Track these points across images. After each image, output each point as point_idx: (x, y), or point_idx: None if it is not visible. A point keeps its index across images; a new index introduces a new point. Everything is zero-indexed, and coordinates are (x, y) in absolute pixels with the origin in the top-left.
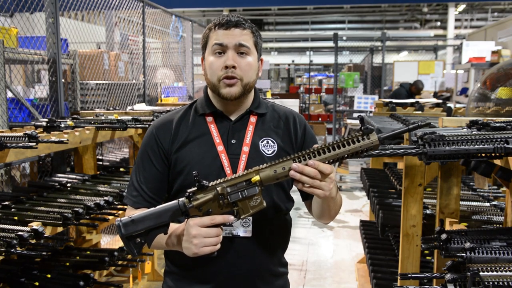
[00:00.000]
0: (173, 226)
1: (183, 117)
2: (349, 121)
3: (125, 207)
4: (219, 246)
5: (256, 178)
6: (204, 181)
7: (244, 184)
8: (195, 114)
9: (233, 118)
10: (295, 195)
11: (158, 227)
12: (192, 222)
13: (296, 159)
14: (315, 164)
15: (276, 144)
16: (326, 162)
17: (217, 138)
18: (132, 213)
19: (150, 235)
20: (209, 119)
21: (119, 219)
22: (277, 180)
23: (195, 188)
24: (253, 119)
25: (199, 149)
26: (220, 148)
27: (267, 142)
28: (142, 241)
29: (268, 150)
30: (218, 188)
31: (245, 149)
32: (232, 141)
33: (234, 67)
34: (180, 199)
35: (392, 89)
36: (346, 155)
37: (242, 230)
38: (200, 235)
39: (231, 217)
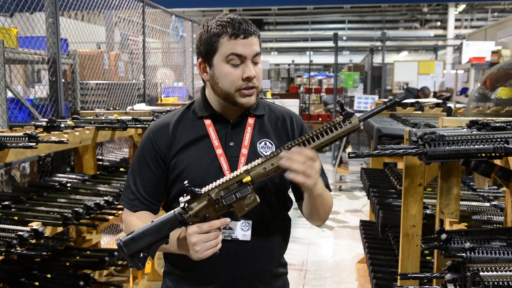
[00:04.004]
0: (172, 233)
1: (180, 120)
2: None
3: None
4: (220, 245)
5: (247, 178)
6: (197, 189)
7: (236, 185)
8: (193, 116)
9: (231, 120)
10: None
11: (159, 240)
12: (191, 231)
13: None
14: (299, 149)
15: (274, 146)
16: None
17: (215, 141)
18: (129, 218)
19: (152, 248)
20: (207, 121)
21: (118, 239)
22: (268, 176)
23: (189, 197)
24: (251, 120)
25: (198, 152)
26: (219, 151)
27: (265, 144)
28: (145, 254)
29: (266, 152)
30: (212, 194)
31: (244, 151)
32: (231, 144)
33: (254, 77)
34: (176, 210)
35: (391, 89)
36: (332, 141)
37: (241, 233)
38: (200, 242)
39: (228, 219)
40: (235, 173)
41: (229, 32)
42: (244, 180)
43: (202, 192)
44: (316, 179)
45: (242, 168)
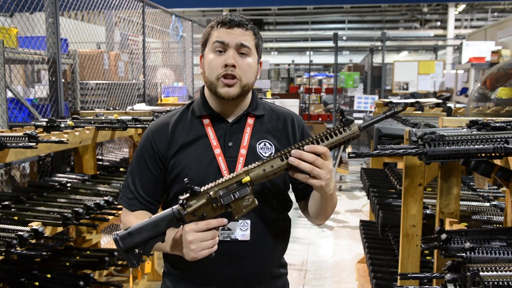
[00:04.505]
0: (169, 232)
1: (180, 120)
2: None
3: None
4: (216, 247)
5: (247, 178)
6: (196, 187)
7: (235, 186)
8: (192, 116)
9: (230, 120)
10: (294, 196)
11: (155, 237)
12: (188, 228)
13: (283, 156)
14: (311, 147)
15: (273, 146)
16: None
17: (214, 141)
18: (128, 217)
19: (148, 245)
20: (206, 121)
21: (115, 233)
22: (267, 178)
23: (188, 195)
24: (250, 121)
25: (196, 152)
26: (217, 151)
27: (264, 144)
28: (141, 251)
29: (265, 153)
30: (210, 193)
31: (243, 151)
32: (229, 144)
33: (234, 66)
34: (174, 207)
35: (391, 89)
36: (331, 147)
37: (240, 233)
38: (197, 240)
39: (225, 220)
40: (235, 173)
41: (217, 22)
42: (243, 181)
43: (201, 190)
44: (327, 179)
45: (242, 169)
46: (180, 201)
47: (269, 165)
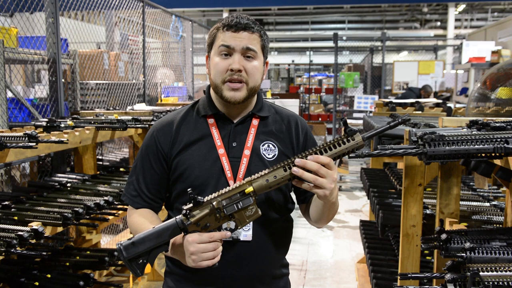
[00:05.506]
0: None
1: (184, 118)
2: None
3: (125, 207)
4: (218, 258)
5: (250, 189)
6: (199, 197)
7: (238, 196)
8: (197, 115)
9: (235, 120)
10: (295, 198)
11: (159, 246)
12: (191, 239)
13: (286, 166)
14: (314, 157)
15: (276, 148)
16: None
17: (218, 141)
18: (133, 216)
19: (151, 254)
20: (211, 121)
21: (119, 242)
22: (270, 189)
23: (191, 205)
24: (255, 122)
25: (200, 152)
26: (221, 151)
27: (268, 146)
28: (145, 261)
29: (268, 154)
30: (213, 203)
31: (246, 152)
32: (233, 144)
33: (240, 70)
34: (178, 217)
35: (391, 89)
36: (334, 157)
37: (243, 234)
38: (198, 252)
39: (229, 233)
40: (238, 183)
41: (223, 25)
42: (246, 191)
43: (205, 200)
44: (330, 189)
45: (245, 179)
46: (184, 211)
47: (272, 175)
